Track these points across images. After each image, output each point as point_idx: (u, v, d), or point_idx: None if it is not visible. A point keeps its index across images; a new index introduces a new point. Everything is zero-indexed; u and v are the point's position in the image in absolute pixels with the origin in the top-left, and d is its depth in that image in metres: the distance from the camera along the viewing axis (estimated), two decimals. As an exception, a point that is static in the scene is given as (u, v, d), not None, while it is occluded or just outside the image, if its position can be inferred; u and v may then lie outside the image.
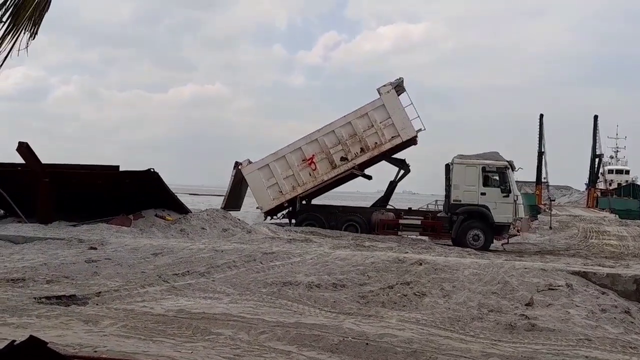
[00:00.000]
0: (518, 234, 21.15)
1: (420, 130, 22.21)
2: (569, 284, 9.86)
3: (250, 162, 22.52)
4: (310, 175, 22.13)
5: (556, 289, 9.52)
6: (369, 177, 23.67)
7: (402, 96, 22.27)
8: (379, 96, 22.01)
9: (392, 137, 21.96)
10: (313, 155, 22.09)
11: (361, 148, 22.05)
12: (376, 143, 22.02)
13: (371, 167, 23.49)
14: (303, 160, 22.14)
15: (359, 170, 22.60)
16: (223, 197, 24.03)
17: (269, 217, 22.95)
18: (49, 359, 3.06)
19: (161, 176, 17.25)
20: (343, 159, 22.08)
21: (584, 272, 10.99)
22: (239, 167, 22.67)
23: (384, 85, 21.99)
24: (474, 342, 6.69)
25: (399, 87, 22.15)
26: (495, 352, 6.27)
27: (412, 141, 22.48)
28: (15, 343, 3.09)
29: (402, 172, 23.31)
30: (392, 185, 23.57)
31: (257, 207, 22.75)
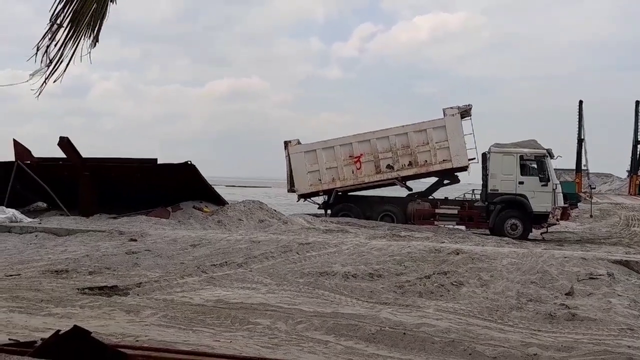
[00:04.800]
0: (557, 222, 20.80)
1: (472, 160, 21.89)
2: (611, 273, 9.67)
3: (299, 143, 22.59)
4: (353, 173, 22.10)
5: (597, 278, 9.35)
6: (410, 189, 23.41)
7: (466, 122, 21.90)
8: (442, 116, 21.77)
9: (444, 160, 21.70)
10: (361, 155, 22.03)
11: (410, 162, 21.89)
12: (426, 161, 21.82)
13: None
14: (350, 157, 22.10)
15: (401, 182, 22.38)
16: (286, 181, 23.46)
17: (302, 200, 23.18)
18: (93, 348, 3.13)
19: (198, 168, 17.43)
20: (389, 166, 21.96)
21: (626, 260, 10.77)
22: (289, 146, 22.66)
23: (451, 108, 21.71)
24: (513, 332, 6.63)
25: (465, 112, 21.80)
26: (535, 342, 6.20)
27: (463, 168, 22.21)
28: (60, 332, 3.17)
29: (449, 181, 23.12)
30: (438, 185, 23.24)
31: (293, 187, 22.82)
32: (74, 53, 3.69)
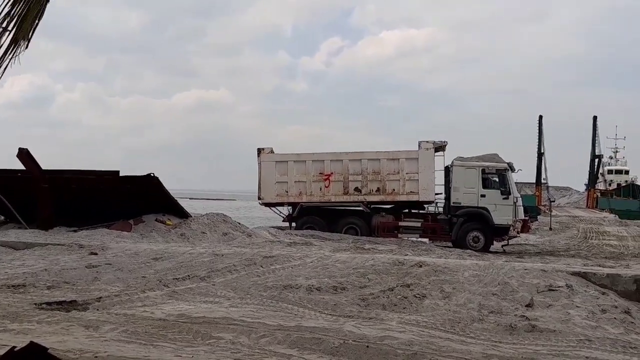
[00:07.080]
0: (518, 235, 21.17)
1: (439, 194, 22.18)
2: (569, 284, 9.86)
3: (272, 152, 22.59)
4: (320, 190, 22.17)
5: (556, 290, 9.51)
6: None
7: (439, 158, 22.14)
8: (417, 148, 21.95)
9: (411, 192, 21.81)
10: (331, 173, 22.11)
11: (378, 188, 22.00)
12: (394, 190, 21.94)
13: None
14: (320, 174, 22.18)
15: (367, 206, 22.31)
16: (258, 190, 23.08)
17: (263, 206, 23.26)
18: (50, 365, 3.07)
19: (162, 181, 17.25)
20: (357, 189, 22.05)
21: (584, 272, 10.98)
22: (261, 153, 22.55)
23: (427, 142, 21.87)
24: (475, 344, 6.69)
25: (440, 148, 22.03)
26: (496, 354, 6.28)
27: (428, 202, 22.48)
28: (15, 349, 3.10)
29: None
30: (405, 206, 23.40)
31: (259, 197, 22.78)
32: (12, 56, 3.67)
